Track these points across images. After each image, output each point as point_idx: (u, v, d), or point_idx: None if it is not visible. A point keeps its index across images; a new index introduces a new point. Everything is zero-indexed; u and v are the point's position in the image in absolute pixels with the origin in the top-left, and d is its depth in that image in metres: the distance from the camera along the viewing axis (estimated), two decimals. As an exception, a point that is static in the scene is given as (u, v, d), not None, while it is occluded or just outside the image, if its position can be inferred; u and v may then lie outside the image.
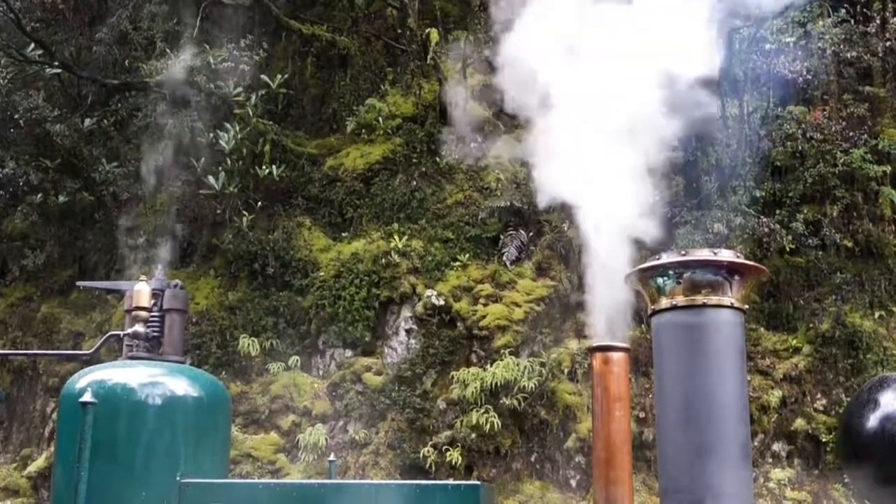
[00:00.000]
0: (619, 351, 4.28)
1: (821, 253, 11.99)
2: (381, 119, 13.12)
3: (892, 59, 13.03)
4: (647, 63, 4.79)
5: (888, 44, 12.57)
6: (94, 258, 13.55)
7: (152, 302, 5.13)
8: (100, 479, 4.35)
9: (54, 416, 11.84)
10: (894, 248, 12.29)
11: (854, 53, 12.46)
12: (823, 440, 11.02)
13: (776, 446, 11.14)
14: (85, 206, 13.43)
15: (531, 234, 12.20)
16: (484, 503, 4.16)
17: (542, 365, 10.85)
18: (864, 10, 12.88)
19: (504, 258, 11.97)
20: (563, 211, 11.65)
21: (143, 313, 5.08)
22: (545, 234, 12.06)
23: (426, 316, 11.45)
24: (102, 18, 14.37)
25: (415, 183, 12.72)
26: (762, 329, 11.77)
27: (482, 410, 10.51)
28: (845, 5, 12.80)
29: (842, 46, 12.40)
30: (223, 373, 11.41)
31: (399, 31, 13.96)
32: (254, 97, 12.74)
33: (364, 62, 14.03)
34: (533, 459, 10.87)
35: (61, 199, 13.22)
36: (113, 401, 4.62)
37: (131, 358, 5.02)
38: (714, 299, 3.53)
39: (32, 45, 13.37)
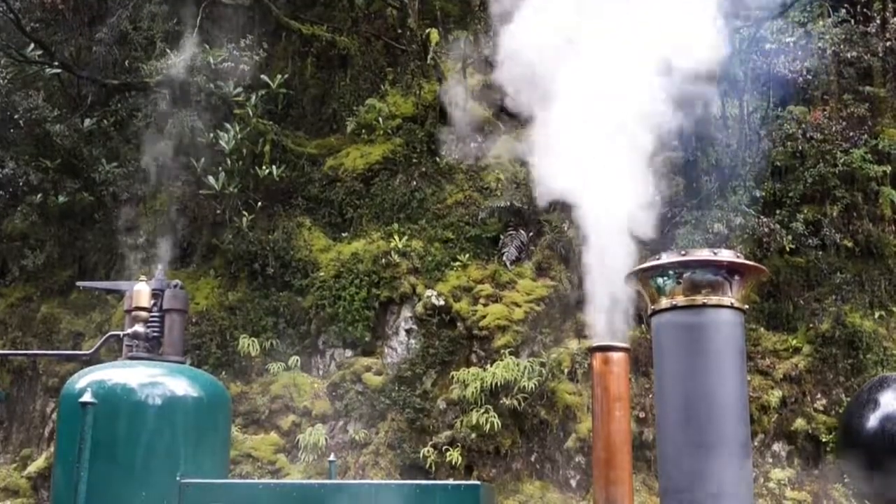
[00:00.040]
0: (619, 351, 4.28)
1: (821, 253, 11.99)
2: (381, 119, 13.12)
3: (893, 59, 13.03)
4: (648, 56, 4.77)
5: (888, 44, 12.57)
6: (94, 258, 13.55)
7: (152, 302, 5.12)
8: (100, 479, 4.35)
9: (54, 416, 11.83)
10: (894, 248, 12.30)
11: (854, 53, 12.46)
12: (823, 440, 11.02)
13: (776, 446, 11.15)
14: (85, 206, 13.43)
15: (531, 234, 12.20)
16: (484, 503, 4.16)
17: (542, 365, 10.85)
18: (865, 10, 12.88)
19: (504, 258, 11.97)
20: (563, 210, 11.66)
21: (143, 313, 5.08)
22: (545, 234, 12.06)
23: (426, 316, 11.45)
24: (102, 18, 14.37)
25: (415, 183, 12.72)
26: (762, 329, 11.77)
27: (482, 410, 10.51)
28: (845, 5, 12.81)
29: (842, 46, 12.39)
30: (223, 373, 11.41)
31: (399, 31, 13.96)
32: (254, 97, 12.74)
33: (364, 62, 14.03)
34: (533, 459, 10.87)
35: (61, 199, 13.22)
36: (113, 401, 4.62)
37: (131, 358, 5.02)
38: (714, 299, 3.52)
39: (32, 45, 13.37)
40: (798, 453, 11.07)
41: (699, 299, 3.53)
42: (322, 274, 12.03)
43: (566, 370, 11.09)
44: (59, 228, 13.60)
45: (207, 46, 13.12)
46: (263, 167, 12.47)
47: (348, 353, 11.73)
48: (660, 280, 3.63)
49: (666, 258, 3.62)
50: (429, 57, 13.18)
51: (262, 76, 13.07)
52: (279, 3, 14.13)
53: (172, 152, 12.85)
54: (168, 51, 13.27)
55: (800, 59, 12.30)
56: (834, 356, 11.37)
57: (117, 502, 4.51)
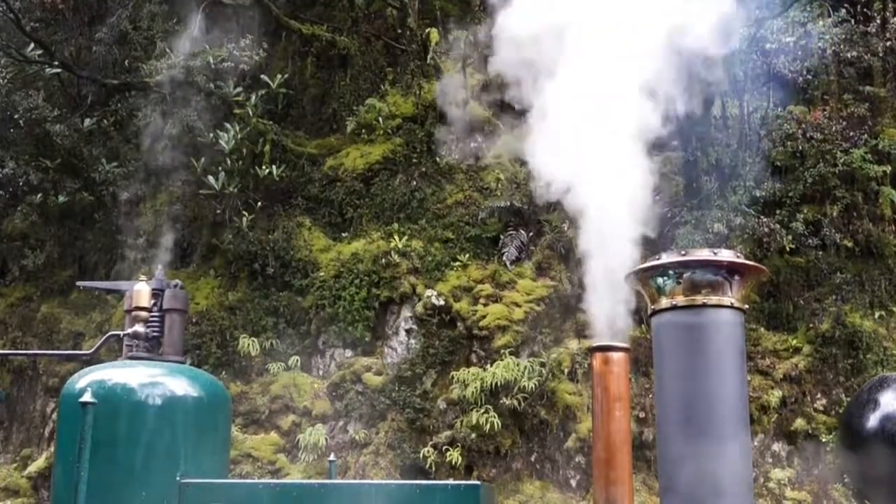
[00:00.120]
0: (619, 351, 4.27)
1: (821, 253, 11.99)
2: (381, 119, 13.12)
3: (893, 58, 13.02)
4: (651, 40, 4.73)
5: (888, 43, 12.57)
6: (94, 258, 13.56)
7: (152, 302, 5.12)
8: (100, 479, 4.35)
9: (54, 416, 11.83)
10: (894, 248, 12.29)
11: (854, 53, 12.46)
12: (823, 440, 11.01)
13: (776, 446, 11.14)
14: (85, 206, 13.43)
15: (531, 234, 12.20)
16: (484, 503, 4.16)
17: (542, 365, 10.85)
18: (865, 9, 12.88)
19: (504, 258, 11.97)
20: (563, 210, 11.66)
21: (143, 313, 5.08)
22: (545, 234, 12.06)
23: (426, 316, 11.45)
24: (102, 18, 14.37)
25: (415, 183, 12.72)
26: (762, 329, 11.77)
27: (482, 410, 10.51)
28: (845, 5, 12.80)
29: (842, 46, 12.39)
30: (223, 373, 11.41)
31: (399, 30, 13.96)
32: (254, 97, 12.74)
33: (364, 62, 14.03)
34: (533, 459, 10.87)
35: (61, 199, 13.22)
36: (113, 401, 4.61)
37: (131, 358, 5.02)
38: (714, 299, 3.52)
39: (32, 45, 13.38)
40: (798, 453, 11.07)
41: (699, 299, 3.53)
42: (322, 274, 12.03)
43: (566, 370, 11.09)
44: (59, 228, 13.61)
45: (207, 46, 13.12)
46: (263, 167, 12.47)
47: (348, 353, 11.73)
48: (660, 280, 3.63)
49: (666, 258, 3.62)
50: (429, 57, 13.18)
51: (262, 76, 13.07)
52: (279, 2, 14.13)
53: (172, 152, 12.85)
54: (168, 50, 13.27)
55: (800, 58, 12.29)
56: (834, 356, 11.37)
57: (117, 502, 4.51)
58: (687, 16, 4.85)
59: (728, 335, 3.53)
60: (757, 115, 12.97)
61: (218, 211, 12.62)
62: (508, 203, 12.16)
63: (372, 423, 11.12)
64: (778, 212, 12.07)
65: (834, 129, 12.20)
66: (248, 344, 11.63)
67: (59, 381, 11.40)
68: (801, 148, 12.30)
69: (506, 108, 12.67)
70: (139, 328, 5.05)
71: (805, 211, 12.15)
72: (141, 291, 5.10)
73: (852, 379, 11.25)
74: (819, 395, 11.36)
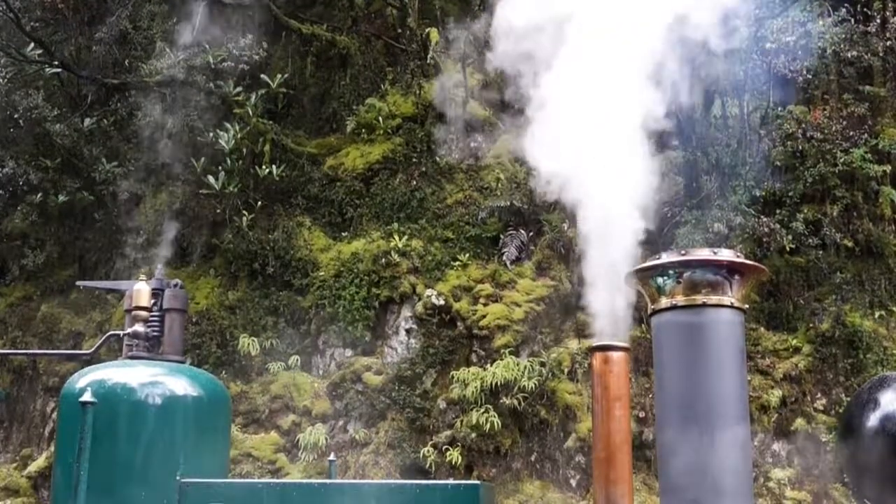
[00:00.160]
0: (619, 350, 4.27)
1: (821, 253, 11.98)
2: (381, 119, 13.11)
3: (893, 58, 13.01)
4: (653, 28, 4.71)
5: (888, 43, 12.56)
6: (94, 258, 13.56)
7: (152, 301, 5.13)
8: (100, 478, 4.35)
9: (54, 416, 11.84)
10: (894, 248, 12.28)
11: (854, 53, 12.45)
12: (823, 440, 11.01)
13: (776, 446, 11.14)
14: (85, 206, 13.44)
15: (531, 233, 12.20)
16: (484, 503, 4.16)
17: (542, 365, 10.85)
18: (865, 9, 12.87)
19: (504, 258, 11.97)
20: (563, 210, 11.66)
21: (143, 313, 5.08)
22: (545, 233, 12.06)
23: (426, 316, 11.45)
24: (102, 18, 14.36)
25: (415, 182, 12.72)
26: (762, 329, 11.76)
27: (482, 410, 10.51)
28: (845, 5, 12.79)
29: (842, 46, 12.38)
30: (223, 372, 11.41)
31: (399, 30, 13.95)
32: (254, 97, 12.74)
33: (364, 62, 14.02)
34: (533, 459, 10.87)
35: (61, 198, 13.22)
36: (113, 401, 4.62)
37: (131, 358, 5.02)
38: (714, 299, 3.52)
39: (32, 45, 13.38)
40: (798, 453, 11.07)
41: (699, 299, 3.53)
42: (322, 273, 12.03)
43: (566, 370, 11.09)
44: (59, 228, 13.61)
45: (207, 46, 13.12)
46: (263, 167, 12.47)
47: (348, 352, 11.73)
48: (660, 280, 3.63)
49: (666, 258, 3.62)
50: (429, 56, 13.17)
51: (262, 75, 13.07)
52: (279, 2, 14.12)
53: (172, 152, 12.85)
54: (168, 50, 13.27)
55: (800, 58, 12.29)
56: (834, 356, 11.36)
57: (117, 501, 4.51)
58: (689, 3, 4.82)
59: (728, 335, 3.53)
60: (757, 114, 12.96)
61: (218, 210, 12.62)
62: (508, 203, 12.15)
63: (372, 423, 11.12)
64: (778, 211, 12.06)
65: (834, 128, 12.19)
66: (248, 343, 11.62)
67: (59, 381, 11.40)
68: (801, 148, 12.29)
69: (506, 107, 12.67)
70: (139, 328, 5.06)
71: (805, 211, 12.14)
72: (141, 291, 5.10)
73: (852, 379, 11.25)
74: (819, 395, 11.36)
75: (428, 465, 10.51)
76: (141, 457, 4.60)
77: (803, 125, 12.26)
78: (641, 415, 10.71)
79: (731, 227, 11.65)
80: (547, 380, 10.79)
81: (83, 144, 13.39)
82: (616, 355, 4.26)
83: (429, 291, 11.60)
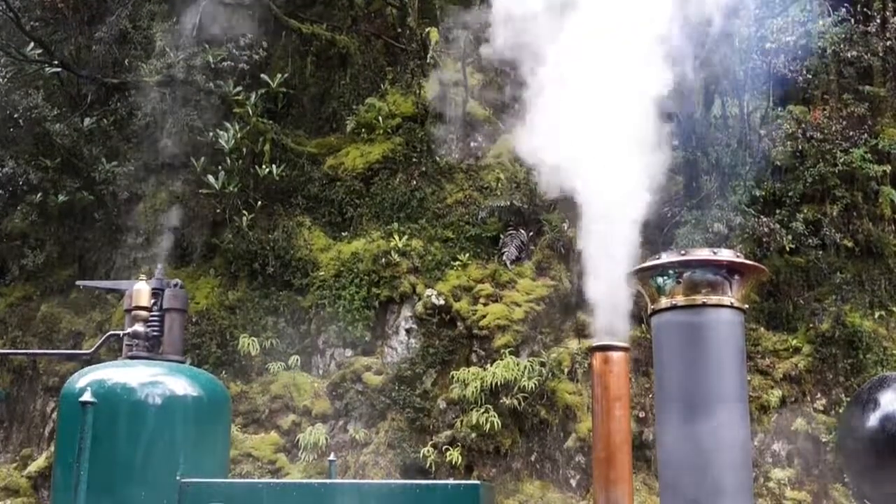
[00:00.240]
0: (619, 350, 4.27)
1: (821, 253, 11.98)
2: (380, 118, 13.11)
3: (893, 58, 13.01)
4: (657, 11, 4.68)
5: (888, 43, 12.56)
6: (94, 258, 13.55)
7: (152, 301, 5.12)
8: (100, 478, 4.35)
9: (54, 415, 11.84)
10: (894, 248, 12.28)
11: (854, 53, 12.45)
12: (823, 440, 11.01)
13: (776, 446, 11.14)
14: (85, 206, 13.43)
15: (531, 233, 12.20)
16: (484, 503, 4.16)
17: (542, 364, 10.85)
18: (865, 9, 12.86)
19: (504, 258, 11.97)
20: (563, 209, 11.66)
21: (143, 313, 5.08)
22: (545, 233, 12.06)
23: (426, 315, 11.45)
24: (102, 17, 14.36)
25: (415, 182, 12.72)
26: (762, 329, 11.76)
27: (482, 410, 10.51)
28: (845, 4, 12.79)
29: (842, 46, 12.38)
30: (223, 372, 11.41)
31: (399, 29, 13.95)
32: (253, 96, 12.74)
33: (364, 61, 14.02)
34: (533, 459, 10.87)
35: (61, 198, 13.22)
36: (113, 400, 4.61)
37: (131, 357, 5.02)
38: (714, 299, 3.52)
39: (32, 45, 13.38)
40: (798, 453, 11.07)
41: (699, 299, 3.53)
42: (322, 273, 12.03)
43: (566, 370, 11.09)
44: (59, 228, 13.61)
45: (207, 45, 13.12)
46: (263, 166, 12.47)
47: (348, 352, 11.73)
48: (660, 279, 3.63)
49: (666, 258, 3.62)
50: (429, 56, 13.17)
51: (262, 75, 13.07)
52: (279, 1, 14.12)
53: (172, 151, 12.85)
54: (168, 50, 13.26)
55: (800, 58, 12.29)
56: (834, 356, 11.36)
57: (117, 501, 4.51)
58: None
59: (728, 335, 3.53)
60: (757, 114, 12.96)
61: (218, 210, 12.62)
62: (508, 202, 12.15)
63: (372, 423, 11.12)
64: (778, 211, 12.07)
65: (834, 128, 12.19)
66: (247, 343, 11.62)
67: (59, 381, 11.40)
68: (800, 147, 12.29)
69: (506, 106, 12.68)
70: (139, 327, 5.05)
71: (805, 210, 12.14)
72: (141, 291, 5.10)
73: (852, 379, 11.25)
74: (819, 395, 11.36)
75: (428, 465, 10.51)
76: (141, 457, 4.60)
77: (803, 125, 12.26)
78: (641, 415, 10.72)
79: (731, 227, 11.65)
80: (547, 380, 10.79)
81: (83, 144, 13.39)
82: (616, 355, 4.26)
83: (429, 291, 11.60)
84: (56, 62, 13.50)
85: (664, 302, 3.61)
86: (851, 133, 12.23)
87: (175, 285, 5.26)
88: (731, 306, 3.54)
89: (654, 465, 10.19)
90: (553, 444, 10.91)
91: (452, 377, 10.95)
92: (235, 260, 12.44)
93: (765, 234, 11.66)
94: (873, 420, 3.90)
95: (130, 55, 14.30)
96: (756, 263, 3.72)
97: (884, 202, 12.41)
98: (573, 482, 10.75)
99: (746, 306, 3.62)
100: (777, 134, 12.43)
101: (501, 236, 12.18)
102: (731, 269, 3.55)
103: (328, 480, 5.73)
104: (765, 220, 11.71)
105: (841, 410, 10.58)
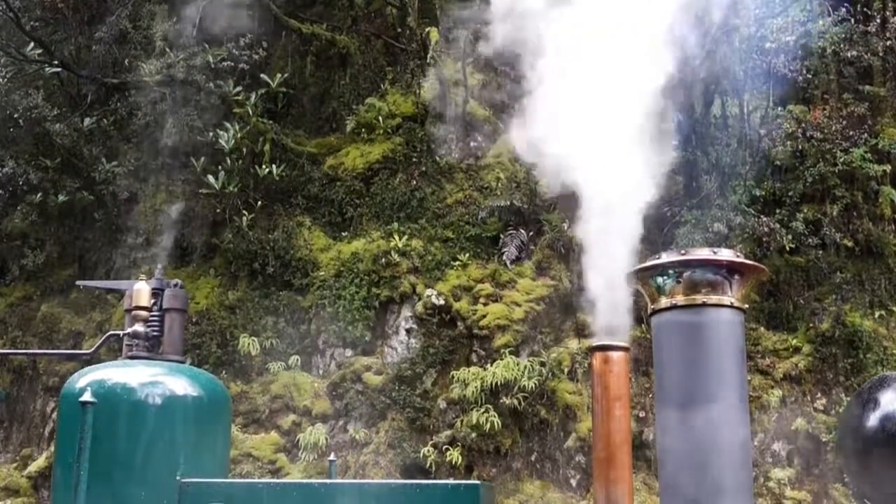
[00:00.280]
0: (619, 350, 4.27)
1: (821, 252, 11.99)
2: (380, 118, 13.11)
3: (893, 58, 13.02)
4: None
5: (888, 43, 12.57)
6: (94, 258, 13.55)
7: (152, 301, 5.11)
8: (100, 478, 4.35)
9: (54, 415, 11.83)
10: (894, 247, 12.29)
11: (854, 52, 12.46)
12: (823, 440, 11.02)
13: (776, 446, 11.14)
14: (85, 206, 13.43)
15: (531, 233, 12.20)
16: (484, 503, 4.15)
17: (542, 364, 10.85)
18: (865, 9, 12.87)
19: (504, 257, 11.97)
20: (563, 208, 11.66)
21: (143, 313, 5.07)
22: (545, 233, 12.06)
23: (426, 315, 11.45)
24: (102, 17, 14.36)
25: (415, 182, 12.72)
26: (762, 329, 11.77)
27: (482, 410, 10.51)
28: (845, 4, 12.79)
29: (842, 45, 12.39)
30: (223, 372, 11.41)
31: (399, 29, 13.95)
32: (253, 96, 12.74)
33: (364, 61, 14.02)
34: (533, 459, 10.87)
35: (61, 198, 13.22)
36: (113, 400, 4.61)
37: (131, 357, 5.02)
38: (714, 299, 3.52)
39: (32, 45, 13.38)
40: (798, 453, 11.07)
41: (699, 299, 3.53)
42: (322, 273, 12.03)
43: (566, 369, 11.09)
44: (59, 227, 13.60)
45: (207, 45, 13.12)
46: (263, 166, 12.47)
47: (348, 352, 11.73)
48: (660, 279, 3.63)
49: (666, 257, 3.62)
50: (429, 56, 13.17)
51: (262, 75, 13.07)
52: (279, 1, 14.12)
53: (172, 151, 12.85)
54: (168, 50, 13.26)
55: (800, 58, 12.30)
56: (834, 356, 11.36)
57: (117, 502, 4.51)
58: None
59: (728, 334, 3.53)
60: (757, 114, 12.97)
61: (218, 210, 12.62)
62: (508, 202, 12.15)
63: (372, 423, 11.12)
64: (778, 211, 12.07)
65: (834, 128, 12.20)
66: (248, 343, 11.62)
67: (59, 381, 11.40)
68: (800, 147, 12.30)
69: (506, 106, 12.67)
70: (139, 327, 5.05)
71: (805, 210, 12.15)
72: (141, 291, 5.10)
73: (852, 378, 11.25)
74: (819, 395, 11.36)
75: (428, 465, 10.51)
76: (141, 457, 4.60)
77: (803, 125, 12.26)
78: (641, 415, 10.72)
79: (731, 226, 11.66)
80: (547, 380, 10.79)
81: (83, 144, 13.39)
82: (616, 355, 4.26)
83: (429, 291, 11.60)
84: (56, 62, 13.50)
85: (664, 302, 3.61)
86: (851, 133, 12.23)
87: (175, 285, 5.25)
88: (731, 306, 3.54)
89: (654, 465, 10.19)
90: (553, 444, 10.91)
91: (452, 377, 10.95)
92: (235, 260, 12.43)
93: (765, 234, 11.67)
94: (873, 420, 3.89)
95: (130, 55, 14.30)
96: (756, 263, 3.71)
97: (884, 202, 12.42)
98: (573, 482, 10.75)
99: (746, 306, 3.62)
100: (777, 133, 12.44)
101: (501, 236, 12.18)
102: (731, 268, 3.55)
103: (328, 480, 5.73)
104: (765, 219, 11.72)
105: (841, 410, 10.58)
